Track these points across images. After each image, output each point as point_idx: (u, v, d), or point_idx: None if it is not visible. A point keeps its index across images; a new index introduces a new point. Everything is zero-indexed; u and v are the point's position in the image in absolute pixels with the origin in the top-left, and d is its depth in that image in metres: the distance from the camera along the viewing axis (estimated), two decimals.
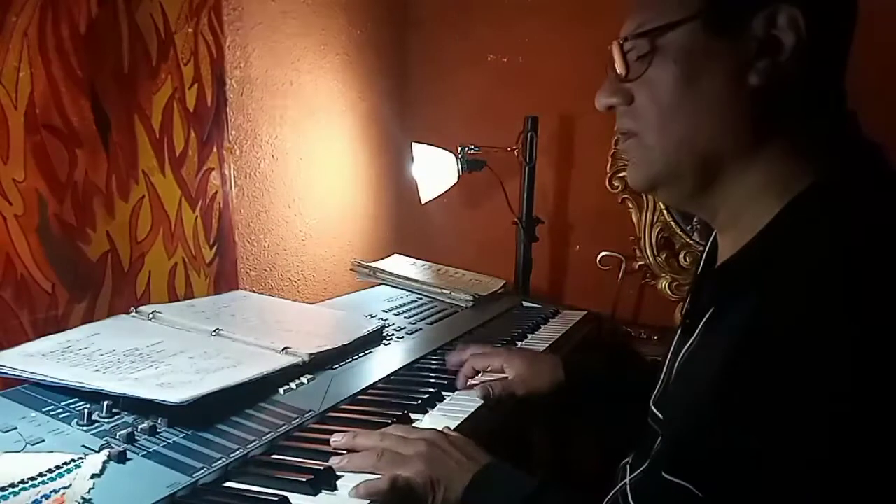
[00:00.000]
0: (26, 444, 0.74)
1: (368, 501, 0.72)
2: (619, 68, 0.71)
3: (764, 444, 0.55)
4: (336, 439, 0.82)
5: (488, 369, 1.10)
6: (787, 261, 0.60)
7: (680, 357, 0.73)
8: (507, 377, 1.07)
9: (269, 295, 1.58)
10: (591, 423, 1.15)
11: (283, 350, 1.05)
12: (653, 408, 0.81)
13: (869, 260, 0.55)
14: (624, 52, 0.71)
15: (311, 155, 1.77)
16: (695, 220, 1.85)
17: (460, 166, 1.90)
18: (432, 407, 0.99)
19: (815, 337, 0.53)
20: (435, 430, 0.85)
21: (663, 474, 0.66)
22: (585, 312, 1.70)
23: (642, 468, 0.77)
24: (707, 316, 0.69)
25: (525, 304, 1.75)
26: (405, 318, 1.44)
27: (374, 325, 1.28)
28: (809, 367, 0.53)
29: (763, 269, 0.62)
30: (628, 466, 0.82)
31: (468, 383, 1.07)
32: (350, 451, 0.80)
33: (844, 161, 0.65)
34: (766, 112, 0.66)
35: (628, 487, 0.78)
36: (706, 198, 0.71)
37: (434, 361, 1.20)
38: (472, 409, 0.99)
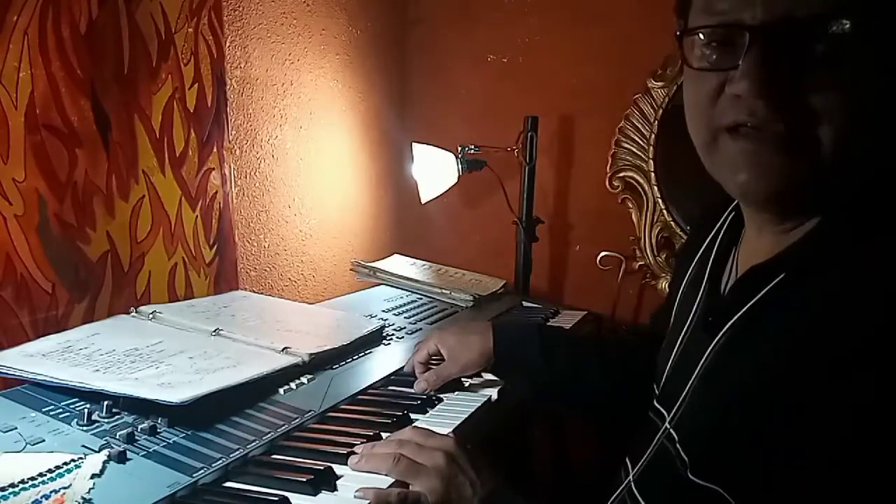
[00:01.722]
0: (26, 444, 0.74)
1: None
2: (826, 47, 0.58)
3: (810, 455, 0.54)
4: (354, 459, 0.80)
5: (432, 357, 1.09)
6: (853, 257, 0.59)
7: (705, 356, 0.69)
8: (442, 361, 1.06)
9: (269, 295, 1.58)
10: (531, 393, 1.12)
11: (283, 350, 1.05)
12: (656, 404, 0.80)
13: None
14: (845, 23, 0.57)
15: (311, 155, 1.77)
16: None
17: (460, 166, 1.90)
18: (432, 407, 0.99)
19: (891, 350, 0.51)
20: (453, 440, 0.82)
21: (690, 476, 0.66)
22: (585, 312, 1.70)
23: (643, 464, 0.77)
24: (739, 314, 0.66)
25: (525, 304, 1.75)
26: (405, 318, 1.44)
27: (374, 325, 1.27)
28: (880, 383, 0.51)
29: (820, 266, 0.61)
30: (629, 464, 0.82)
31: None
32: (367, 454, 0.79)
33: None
34: None
35: (633, 484, 0.78)
36: (817, 206, 0.65)
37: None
38: (472, 410, 0.99)
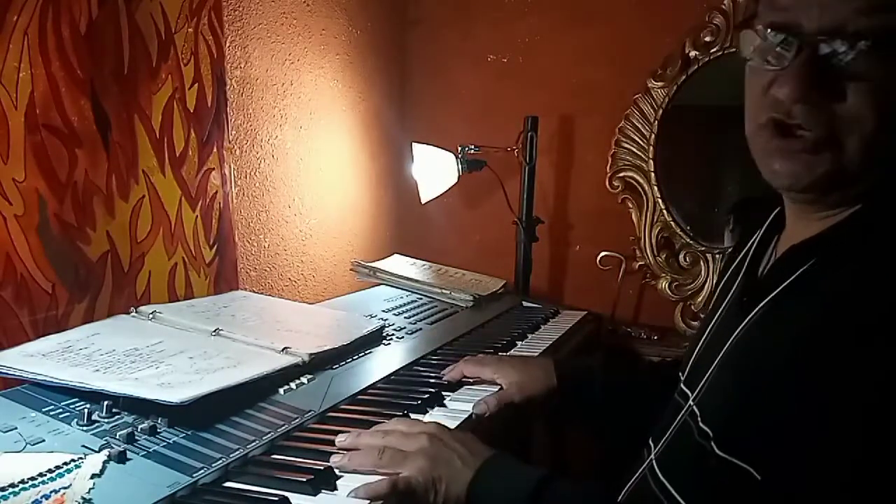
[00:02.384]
0: (26, 444, 0.74)
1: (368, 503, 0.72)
2: (854, 68, 0.61)
3: (833, 428, 0.56)
4: (340, 439, 0.81)
5: (478, 378, 1.08)
6: (871, 247, 0.61)
7: (735, 334, 0.72)
8: (501, 388, 1.05)
9: (269, 295, 1.58)
10: (587, 425, 1.15)
11: (283, 350, 1.05)
12: (682, 386, 0.81)
13: None
14: (865, 42, 0.60)
15: (311, 155, 1.77)
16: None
17: (460, 166, 1.90)
18: (432, 407, 0.99)
19: None
20: (437, 423, 0.86)
21: (715, 450, 0.67)
22: (585, 312, 1.70)
23: (665, 441, 0.78)
24: (772, 295, 0.69)
25: (525, 304, 1.75)
26: (405, 318, 1.44)
27: (374, 325, 1.27)
28: (891, 360, 0.53)
29: (844, 253, 0.63)
30: (651, 444, 0.83)
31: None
32: (353, 450, 0.80)
33: None
34: None
35: (654, 463, 0.79)
36: (848, 197, 0.68)
37: (434, 361, 1.20)
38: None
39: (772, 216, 0.81)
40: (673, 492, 0.74)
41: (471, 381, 1.08)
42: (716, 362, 0.74)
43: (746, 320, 0.72)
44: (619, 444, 0.91)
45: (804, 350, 0.60)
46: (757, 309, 0.70)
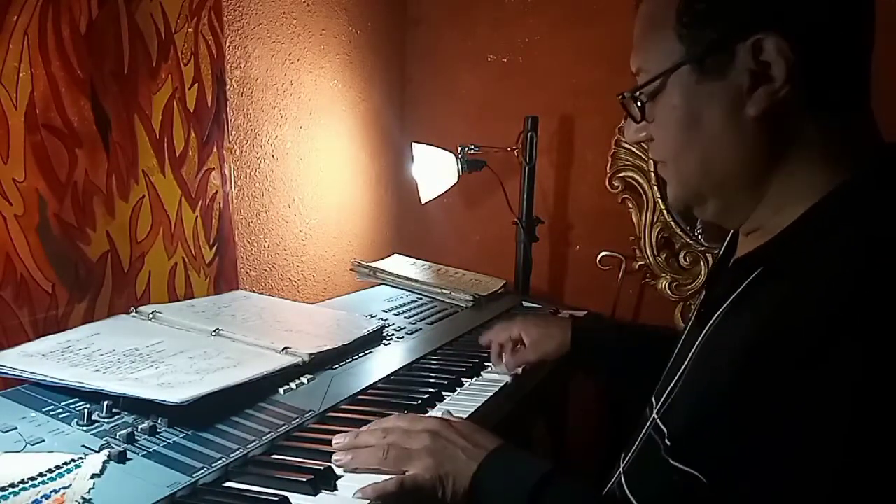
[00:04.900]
0: (26, 444, 0.74)
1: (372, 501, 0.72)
2: (634, 115, 0.75)
3: (772, 440, 0.57)
4: (338, 440, 0.81)
5: (511, 339, 1.20)
6: (807, 261, 0.62)
7: (694, 347, 0.74)
8: (521, 349, 1.18)
9: (269, 295, 1.58)
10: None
11: (283, 350, 1.05)
12: (653, 399, 0.82)
13: (886, 265, 0.57)
14: (634, 98, 0.74)
15: (311, 155, 1.77)
16: (698, 223, 1.84)
17: (460, 166, 1.90)
18: (432, 407, 1.00)
19: (827, 341, 0.55)
20: (439, 418, 0.86)
21: (669, 460, 0.68)
22: (585, 312, 1.70)
23: (633, 453, 0.79)
24: (723, 308, 0.71)
25: (525, 304, 1.75)
26: (405, 318, 1.44)
27: (374, 325, 1.28)
28: (819, 372, 0.55)
29: (782, 266, 0.65)
30: (623, 456, 0.84)
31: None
32: (353, 449, 0.80)
33: (865, 165, 0.67)
34: (774, 135, 0.67)
35: (622, 476, 0.79)
36: (731, 213, 0.74)
37: (434, 361, 1.21)
38: (473, 409, 0.99)
39: (731, 232, 0.83)
40: None
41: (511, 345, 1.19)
42: (678, 376, 0.75)
43: (702, 334, 0.74)
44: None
45: (740, 364, 0.61)
46: (711, 322, 0.73)
